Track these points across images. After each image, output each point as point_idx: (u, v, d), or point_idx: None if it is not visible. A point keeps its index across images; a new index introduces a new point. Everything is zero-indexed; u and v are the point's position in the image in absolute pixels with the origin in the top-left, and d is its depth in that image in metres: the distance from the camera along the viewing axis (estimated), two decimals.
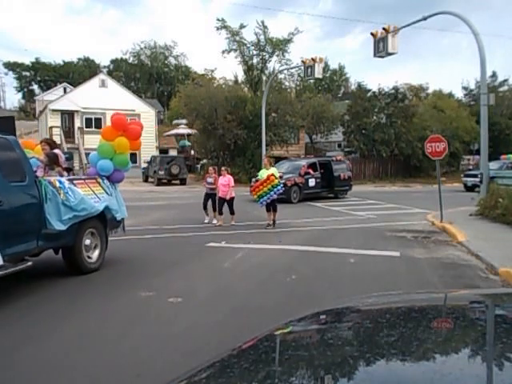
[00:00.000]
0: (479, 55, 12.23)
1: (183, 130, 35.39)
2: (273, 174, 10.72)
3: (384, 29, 14.71)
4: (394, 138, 31.26)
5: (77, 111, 32.44)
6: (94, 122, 32.10)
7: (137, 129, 7.40)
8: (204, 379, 1.06)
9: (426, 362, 1.08)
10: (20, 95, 69.88)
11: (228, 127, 27.40)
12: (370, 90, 33.79)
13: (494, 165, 19.62)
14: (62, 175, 6.53)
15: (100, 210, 6.41)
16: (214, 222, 11.44)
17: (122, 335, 4.16)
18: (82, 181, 6.54)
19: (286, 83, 35.19)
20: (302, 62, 20.09)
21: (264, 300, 5.18)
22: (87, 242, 6.37)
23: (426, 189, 24.29)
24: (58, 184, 5.82)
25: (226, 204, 11.33)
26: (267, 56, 32.66)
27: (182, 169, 27.38)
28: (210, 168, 12.51)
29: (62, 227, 5.70)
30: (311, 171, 17.96)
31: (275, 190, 10.59)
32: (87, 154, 9.13)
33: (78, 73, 63.37)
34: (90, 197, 6.31)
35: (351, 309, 1.63)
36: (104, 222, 6.75)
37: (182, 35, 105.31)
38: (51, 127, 30.94)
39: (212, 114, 27.76)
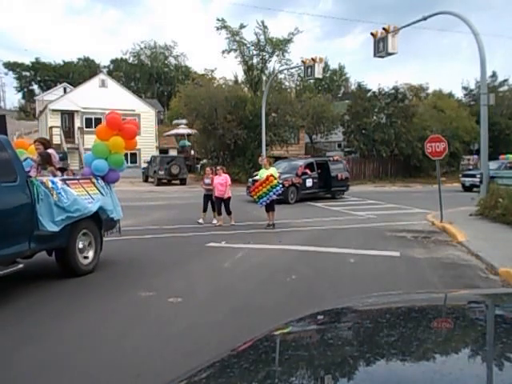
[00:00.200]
0: (479, 55, 12.23)
1: (183, 129, 35.38)
2: (272, 175, 10.71)
3: (384, 29, 14.71)
4: (394, 138, 31.26)
5: (77, 111, 32.45)
6: (94, 122, 32.02)
7: (132, 128, 7.26)
8: (204, 379, 1.06)
9: (426, 362, 1.08)
10: (20, 95, 69.98)
11: (228, 127, 27.40)
12: (369, 90, 33.80)
13: (492, 165, 19.59)
14: (55, 175, 6.40)
15: (93, 211, 6.27)
16: (214, 222, 11.43)
17: (121, 335, 4.16)
18: (76, 181, 6.40)
19: (286, 83, 35.28)
20: (302, 62, 20.09)
21: (264, 300, 5.18)
22: (81, 243, 6.23)
23: (426, 189, 24.29)
24: (50, 184, 5.70)
25: (222, 204, 11.31)
26: (267, 56, 32.67)
27: (182, 169, 27.38)
28: (208, 169, 12.50)
29: (55, 228, 5.57)
30: (308, 171, 17.92)
31: (274, 190, 10.58)
32: None
33: (78, 73, 63.34)
34: (84, 197, 6.17)
35: (351, 309, 1.63)
36: (99, 222, 6.60)
37: (181, 35, 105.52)
38: (51, 127, 30.98)
39: (212, 114, 27.76)
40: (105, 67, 65.98)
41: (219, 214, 11.34)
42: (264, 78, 33.08)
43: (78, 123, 32.34)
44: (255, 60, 33.13)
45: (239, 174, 25.47)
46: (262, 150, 23.24)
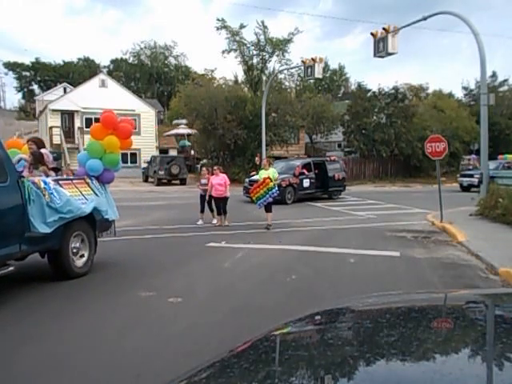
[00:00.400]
0: (479, 55, 12.23)
1: (183, 129, 35.37)
2: (269, 177, 10.71)
3: (384, 29, 14.71)
4: (394, 138, 31.25)
5: (77, 111, 32.43)
6: (93, 122, 32.01)
7: (127, 127, 7.08)
8: (204, 379, 1.06)
9: (426, 362, 1.08)
10: (20, 95, 69.99)
11: (228, 127, 27.39)
12: (369, 90, 33.78)
13: (490, 165, 19.61)
14: (47, 175, 6.26)
15: (87, 212, 6.11)
16: (214, 221, 11.43)
17: (121, 335, 4.16)
18: (69, 181, 6.24)
19: (286, 83, 35.28)
20: (302, 62, 20.09)
21: (264, 300, 5.18)
22: (74, 245, 6.09)
23: (426, 189, 24.29)
24: (42, 185, 5.52)
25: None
26: (267, 56, 32.69)
27: (182, 169, 27.39)
28: (204, 169, 12.48)
29: (47, 230, 5.40)
30: (306, 171, 17.88)
31: (270, 193, 10.60)
32: None
33: (78, 73, 63.33)
34: (77, 198, 6.02)
35: (351, 309, 1.63)
36: (93, 223, 6.44)
37: (181, 35, 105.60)
38: (51, 127, 30.97)
39: (212, 114, 27.76)
40: (105, 67, 66.01)
41: (219, 213, 11.33)
42: (264, 78, 33.09)
43: (77, 123, 32.32)
44: (255, 60, 33.18)
45: (239, 174, 25.45)
46: (262, 150, 23.23)
